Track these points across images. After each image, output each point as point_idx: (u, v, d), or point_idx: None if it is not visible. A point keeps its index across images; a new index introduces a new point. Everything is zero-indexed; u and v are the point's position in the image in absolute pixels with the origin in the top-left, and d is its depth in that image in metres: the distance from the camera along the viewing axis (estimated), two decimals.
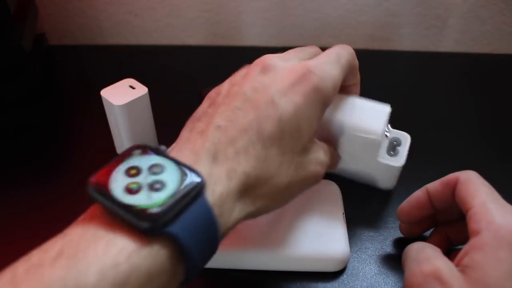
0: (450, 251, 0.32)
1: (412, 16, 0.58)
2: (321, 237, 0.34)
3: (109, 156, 0.22)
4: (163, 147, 0.23)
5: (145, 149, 0.23)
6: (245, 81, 0.28)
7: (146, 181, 0.21)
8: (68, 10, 0.59)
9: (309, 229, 0.34)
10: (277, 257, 0.33)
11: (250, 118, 0.25)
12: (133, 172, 0.21)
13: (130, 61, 0.58)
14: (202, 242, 0.21)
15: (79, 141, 0.46)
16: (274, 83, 0.27)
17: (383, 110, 0.36)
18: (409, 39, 0.60)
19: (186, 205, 0.20)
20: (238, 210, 0.24)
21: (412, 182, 0.36)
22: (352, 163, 0.38)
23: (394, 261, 0.35)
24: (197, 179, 0.21)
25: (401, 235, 0.36)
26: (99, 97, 0.39)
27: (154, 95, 0.40)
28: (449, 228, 0.34)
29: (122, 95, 0.38)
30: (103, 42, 0.62)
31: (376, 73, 0.52)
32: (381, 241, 0.36)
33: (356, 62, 0.33)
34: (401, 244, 0.36)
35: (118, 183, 0.20)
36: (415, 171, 0.42)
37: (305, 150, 0.28)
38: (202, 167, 0.23)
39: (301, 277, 0.33)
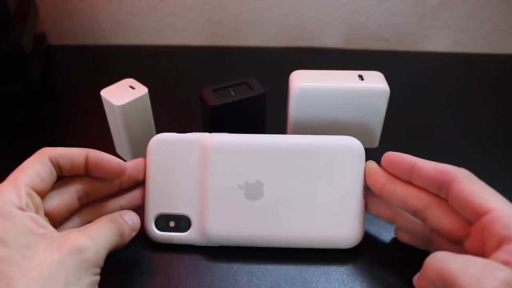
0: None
1: (412, 16, 0.58)
2: (334, 213, 0.34)
3: None
4: None
5: None
6: None
7: None
8: (68, 10, 0.59)
9: (323, 205, 0.34)
10: (288, 234, 0.34)
11: None
12: None
13: (130, 61, 0.58)
14: None
15: (79, 141, 0.46)
16: None
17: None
18: (409, 39, 0.60)
19: None
20: None
21: None
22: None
23: (395, 261, 0.35)
24: None
25: None
26: (99, 97, 0.39)
27: (154, 95, 0.40)
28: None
29: (122, 95, 0.38)
30: (103, 42, 0.62)
31: None
32: (382, 241, 0.36)
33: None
34: (401, 244, 0.36)
35: None
36: None
37: None
38: None
39: (302, 277, 0.33)
